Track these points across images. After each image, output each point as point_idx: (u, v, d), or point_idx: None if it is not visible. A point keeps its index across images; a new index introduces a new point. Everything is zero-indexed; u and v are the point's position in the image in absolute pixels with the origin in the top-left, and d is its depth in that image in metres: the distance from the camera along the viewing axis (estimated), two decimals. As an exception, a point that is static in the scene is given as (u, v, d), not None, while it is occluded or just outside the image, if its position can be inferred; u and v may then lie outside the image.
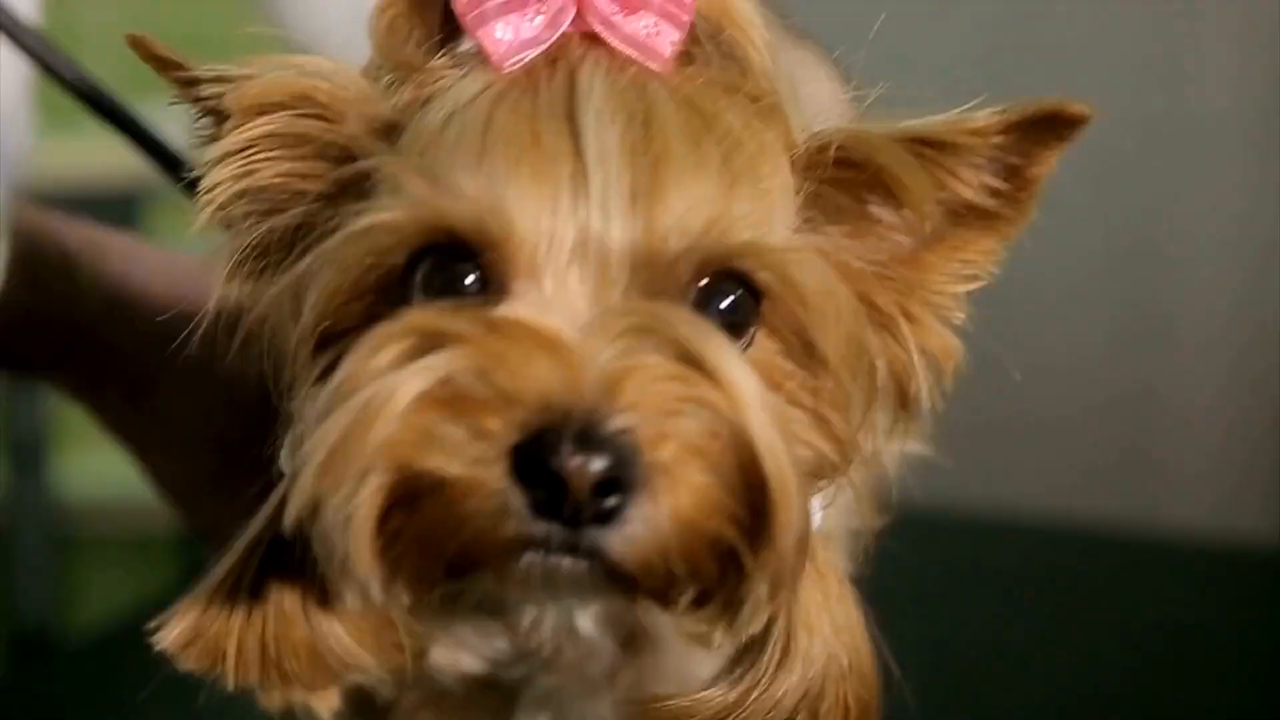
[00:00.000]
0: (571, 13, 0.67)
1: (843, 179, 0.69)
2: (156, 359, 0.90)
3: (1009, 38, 2.47)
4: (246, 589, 0.72)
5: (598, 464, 0.59)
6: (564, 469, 0.59)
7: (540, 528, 0.61)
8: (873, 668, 0.75)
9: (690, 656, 0.79)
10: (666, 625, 0.79)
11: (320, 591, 0.72)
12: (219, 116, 0.70)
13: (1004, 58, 2.26)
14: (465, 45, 0.68)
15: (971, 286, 0.74)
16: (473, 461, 0.60)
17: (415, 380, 0.61)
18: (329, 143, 0.69)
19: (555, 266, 0.63)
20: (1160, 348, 2.53)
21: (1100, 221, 2.43)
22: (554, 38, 0.67)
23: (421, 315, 0.64)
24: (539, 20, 0.66)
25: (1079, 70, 2.40)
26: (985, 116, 0.69)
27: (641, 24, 0.68)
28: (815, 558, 0.73)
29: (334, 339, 0.68)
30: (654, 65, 0.68)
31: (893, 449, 0.82)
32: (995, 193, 0.71)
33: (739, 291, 0.66)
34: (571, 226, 0.63)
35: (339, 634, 0.73)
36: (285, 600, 0.72)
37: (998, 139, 0.69)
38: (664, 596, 0.65)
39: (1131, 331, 2.53)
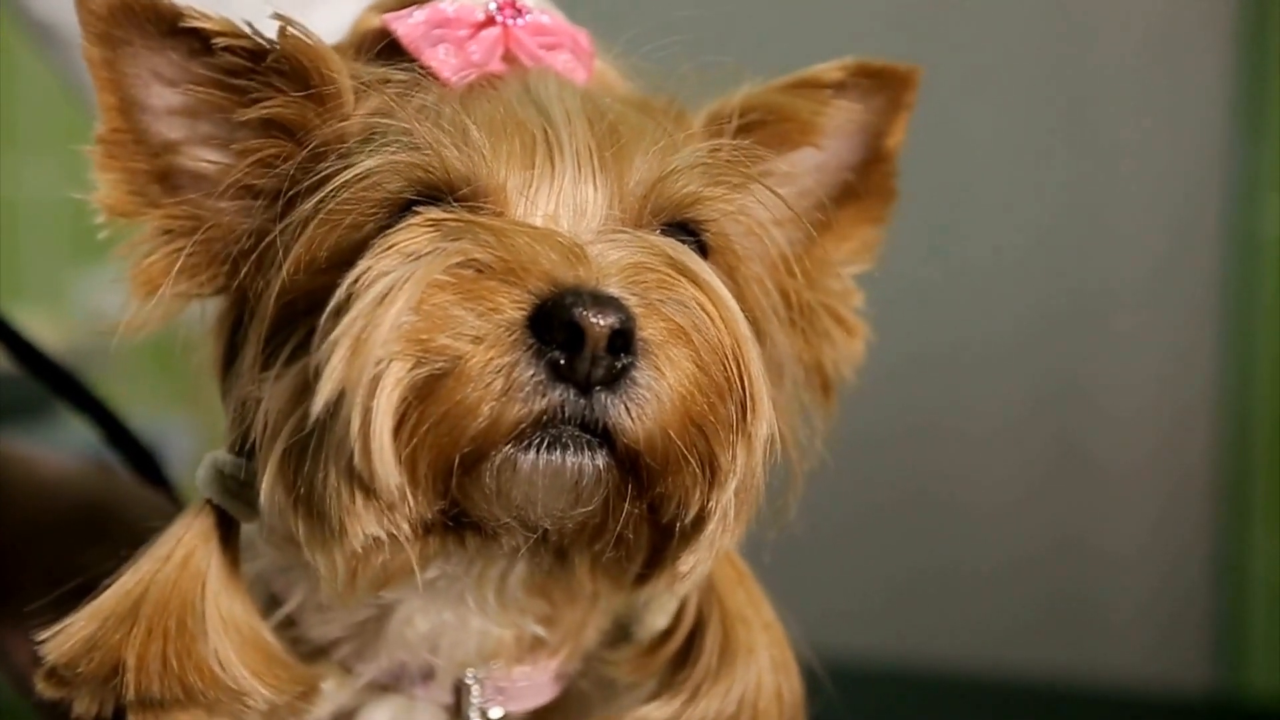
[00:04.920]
0: (501, 49, 0.78)
1: (745, 134, 0.80)
2: (23, 560, 0.95)
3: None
4: (150, 605, 0.75)
5: (611, 317, 0.67)
6: (583, 319, 0.66)
7: (554, 394, 0.67)
8: (796, 665, 0.82)
9: None
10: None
11: (219, 614, 0.76)
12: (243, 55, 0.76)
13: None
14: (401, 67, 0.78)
15: (861, 270, 0.86)
16: (484, 337, 0.67)
17: (432, 263, 0.68)
18: (312, 126, 0.76)
19: (544, 209, 0.73)
20: (1087, 498, 2.55)
21: (1026, 373, 2.51)
22: (490, 62, 0.78)
23: (435, 212, 0.72)
24: (474, 48, 0.78)
25: (1007, 223, 2.49)
26: (835, 63, 0.83)
27: (561, 59, 0.80)
28: (736, 562, 0.82)
29: (293, 318, 0.74)
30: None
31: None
32: (860, 168, 0.85)
33: (693, 242, 0.76)
34: (551, 177, 0.73)
35: (231, 658, 0.76)
36: (189, 619, 0.75)
37: (847, 77, 0.83)
38: (650, 498, 0.70)
39: (1059, 482, 2.55)
